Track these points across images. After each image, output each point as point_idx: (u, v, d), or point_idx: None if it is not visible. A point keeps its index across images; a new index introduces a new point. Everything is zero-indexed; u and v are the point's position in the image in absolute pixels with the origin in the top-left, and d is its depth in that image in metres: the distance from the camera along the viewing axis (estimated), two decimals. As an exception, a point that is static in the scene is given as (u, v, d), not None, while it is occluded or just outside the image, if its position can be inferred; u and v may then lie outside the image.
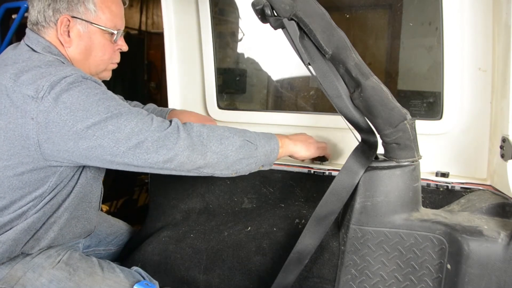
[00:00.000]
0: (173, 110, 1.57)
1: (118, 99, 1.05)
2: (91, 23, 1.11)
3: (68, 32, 1.10)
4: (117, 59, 1.23)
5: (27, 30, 1.13)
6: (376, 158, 1.13)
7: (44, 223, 1.12)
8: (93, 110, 0.98)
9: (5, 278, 1.08)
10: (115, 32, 1.16)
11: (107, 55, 1.18)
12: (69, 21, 1.09)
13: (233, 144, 1.08)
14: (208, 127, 1.09)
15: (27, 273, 1.10)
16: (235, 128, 1.14)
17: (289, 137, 1.26)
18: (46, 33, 1.10)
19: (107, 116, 0.99)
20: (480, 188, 1.27)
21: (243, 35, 1.81)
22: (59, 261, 1.15)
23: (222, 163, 1.08)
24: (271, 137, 1.18)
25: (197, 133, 1.06)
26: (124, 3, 1.20)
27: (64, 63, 1.07)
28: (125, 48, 1.23)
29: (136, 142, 1.00)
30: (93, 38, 1.13)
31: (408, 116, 1.02)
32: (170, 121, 1.07)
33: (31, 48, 1.09)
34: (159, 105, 1.66)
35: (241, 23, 1.79)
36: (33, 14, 1.10)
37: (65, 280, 1.11)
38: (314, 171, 1.50)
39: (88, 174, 1.17)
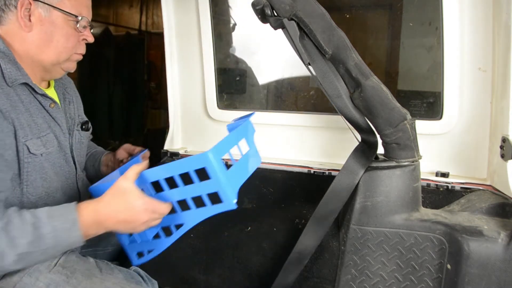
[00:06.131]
0: (108, 153, 1.48)
1: None
2: (54, 7, 1.06)
3: (29, 16, 1.04)
4: (82, 50, 1.16)
5: None
6: (376, 158, 1.13)
7: None
8: None
9: (1, 284, 1.07)
10: (79, 18, 1.10)
11: (70, 43, 1.11)
12: (30, 4, 1.03)
13: (3, 259, 0.88)
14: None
15: (24, 278, 1.08)
16: (17, 231, 0.89)
17: (103, 220, 0.96)
18: (5, 19, 1.04)
19: None
20: (480, 188, 1.27)
21: (243, 34, 1.81)
22: (55, 264, 1.13)
23: None
24: (69, 229, 0.93)
25: None
26: None
27: None
28: (90, 39, 1.16)
29: None
30: (56, 23, 1.07)
31: (408, 116, 1.02)
32: None
33: None
34: (159, 105, 1.66)
35: (242, 23, 1.79)
36: None
37: (63, 283, 1.09)
38: (314, 171, 1.50)
39: (27, 192, 1.05)
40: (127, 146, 1.43)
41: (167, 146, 1.84)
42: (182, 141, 1.90)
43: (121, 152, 1.41)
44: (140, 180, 0.99)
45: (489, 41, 1.26)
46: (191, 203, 1.02)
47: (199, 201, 1.01)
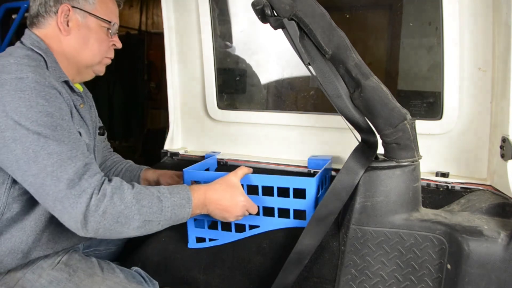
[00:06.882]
0: (147, 169, 1.51)
1: (68, 125, 0.99)
2: (90, 13, 1.14)
3: (68, 22, 1.12)
4: (112, 54, 1.24)
5: (25, 30, 1.15)
6: (376, 158, 1.13)
7: (30, 241, 1.07)
8: (30, 115, 0.92)
9: (5, 279, 1.08)
10: (112, 24, 1.18)
11: (103, 47, 1.19)
12: (69, 10, 1.11)
13: (130, 224, 0.98)
14: (114, 202, 0.96)
15: (27, 274, 1.10)
16: (146, 201, 0.99)
17: (208, 203, 1.10)
18: (45, 24, 1.12)
19: (37, 130, 0.91)
20: (480, 188, 1.27)
21: (243, 34, 1.80)
22: (58, 262, 1.15)
23: (114, 236, 1.00)
24: (184, 205, 1.05)
25: (95, 208, 0.94)
26: (119, 5, 1.24)
27: (45, 60, 1.07)
28: (119, 45, 1.24)
29: (40, 180, 0.92)
30: (91, 28, 1.15)
31: (408, 116, 1.02)
32: (96, 185, 0.95)
33: (21, 42, 1.11)
34: (159, 105, 1.66)
35: (242, 23, 1.79)
36: (34, 8, 1.13)
37: (65, 281, 1.11)
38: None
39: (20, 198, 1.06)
40: (175, 177, 1.46)
41: (167, 146, 1.84)
42: (182, 141, 1.90)
43: (166, 180, 1.45)
44: (243, 180, 1.17)
45: (489, 41, 1.26)
46: (276, 212, 1.20)
47: (280, 212, 1.20)
